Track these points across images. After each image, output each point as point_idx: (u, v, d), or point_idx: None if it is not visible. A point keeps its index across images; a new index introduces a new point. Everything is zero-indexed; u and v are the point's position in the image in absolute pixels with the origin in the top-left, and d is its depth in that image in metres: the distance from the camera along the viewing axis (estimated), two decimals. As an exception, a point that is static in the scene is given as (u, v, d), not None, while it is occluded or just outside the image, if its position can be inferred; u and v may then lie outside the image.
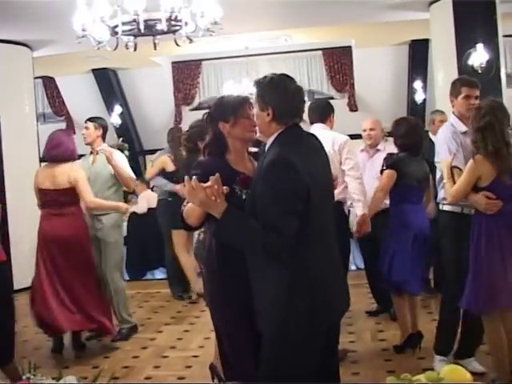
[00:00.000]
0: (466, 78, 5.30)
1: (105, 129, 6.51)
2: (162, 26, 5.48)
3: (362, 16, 10.15)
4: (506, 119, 4.46)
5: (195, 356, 5.83)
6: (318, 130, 5.36)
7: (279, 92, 3.17)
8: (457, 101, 4.89)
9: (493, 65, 8.70)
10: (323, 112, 5.67)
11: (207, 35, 5.90)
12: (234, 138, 3.40)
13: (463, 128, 4.77)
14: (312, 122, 5.60)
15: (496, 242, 4.35)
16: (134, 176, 6.68)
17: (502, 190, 4.34)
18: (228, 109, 3.42)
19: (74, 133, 12.47)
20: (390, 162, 5.56)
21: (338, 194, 5.23)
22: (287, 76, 3.26)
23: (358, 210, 5.46)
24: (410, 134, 5.55)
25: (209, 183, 2.98)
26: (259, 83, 3.24)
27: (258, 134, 3.40)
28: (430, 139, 6.66)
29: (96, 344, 6.34)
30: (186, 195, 3.07)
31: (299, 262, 3.05)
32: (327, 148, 5.24)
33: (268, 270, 3.09)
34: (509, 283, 4.29)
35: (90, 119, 6.54)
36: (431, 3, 9.23)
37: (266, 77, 3.26)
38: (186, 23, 5.61)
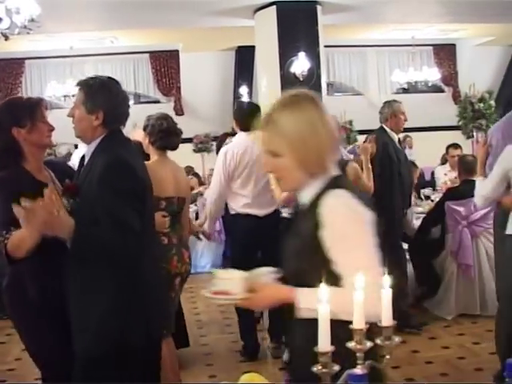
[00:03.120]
0: None
1: None
2: (-27, 20, 5.21)
3: (189, 20, 10.17)
4: None
5: (11, 369, 5.49)
6: None
7: (112, 96, 2.96)
8: None
9: (314, 73, 9.01)
10: None
11: (24, 33, 5.65)
12: (31, 145, 3.04)
13: None
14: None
15: None
16: None
17: None
18: (23, 112, 3.03)
19: None
20: None
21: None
22: (115, 79, 3.05)
23: None
24: None
25: (45, 198, 2.54)
26: (88, 85, 2.96)
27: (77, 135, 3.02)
28: None
29: None
30: (23, 221, 2.55)
31: (138, 266, 2.83)
32: None
33: (108, 275, 2.79)
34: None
35: None
36: (256, 11, 9.40)
37: (94, 78, 3.01)
38: (1, 19, 5.34)
